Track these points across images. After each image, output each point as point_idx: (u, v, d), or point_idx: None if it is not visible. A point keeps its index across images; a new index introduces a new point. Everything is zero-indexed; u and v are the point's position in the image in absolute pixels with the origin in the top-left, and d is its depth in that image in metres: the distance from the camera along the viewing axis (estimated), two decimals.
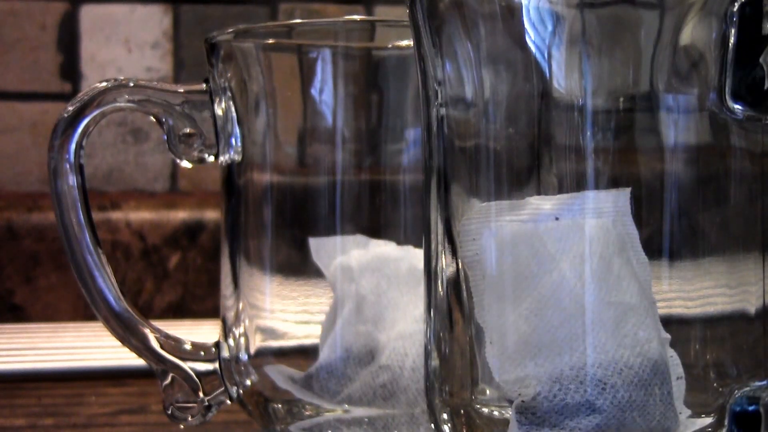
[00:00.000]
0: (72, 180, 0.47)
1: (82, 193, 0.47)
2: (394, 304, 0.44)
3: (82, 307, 0.94)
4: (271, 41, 0.47)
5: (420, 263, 0.38)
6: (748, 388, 0.34)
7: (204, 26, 1.04)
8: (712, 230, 0.35)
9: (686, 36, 0.34)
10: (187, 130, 0.48)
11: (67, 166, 0.46)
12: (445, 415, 0.37)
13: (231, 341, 0.48)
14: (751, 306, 0.35)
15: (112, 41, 1.04)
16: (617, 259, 0.33)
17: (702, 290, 0.35)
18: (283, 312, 0.47)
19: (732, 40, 0.34)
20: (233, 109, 0.47)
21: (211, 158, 0.48)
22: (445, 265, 0.36)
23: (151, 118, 0.48)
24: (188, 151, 0.48)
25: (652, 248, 0.34)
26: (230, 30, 0.47)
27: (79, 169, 0.47)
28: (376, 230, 0.45)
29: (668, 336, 0.34)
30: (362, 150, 0.46)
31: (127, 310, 0.47)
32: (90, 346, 0.72)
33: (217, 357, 0.48)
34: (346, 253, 0.45)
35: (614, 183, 0.34)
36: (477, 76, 0.35)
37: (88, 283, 0.47)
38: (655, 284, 0.34)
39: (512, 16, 0.35)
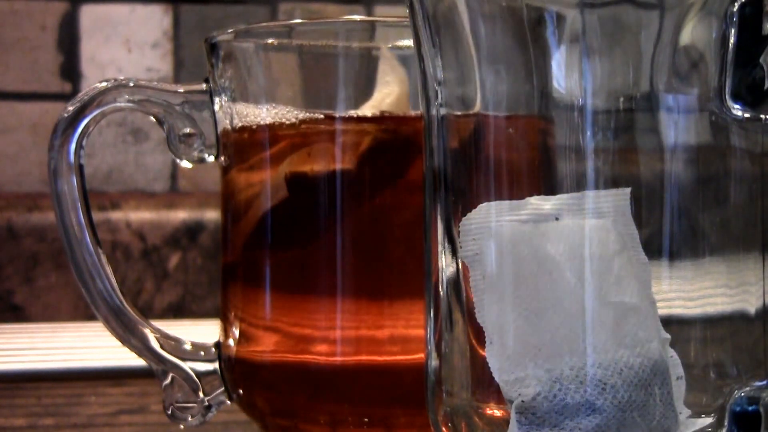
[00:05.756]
0: (72, 180, 0.47)
1: (82, 193, 0.47)
2: None
3: (82, 307, 0.94)
4: (271, 41, 0.47)
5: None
6: (748, 388, 0.34)
7: (204, 26, 1.04)
8: (712, 230, 0.35)
9: (686, 36, 0.34)
10: (187, 130, 0.48)
11: (67, 166, 0.46)
12: (444, 415, 0.37)
13: (231, 341, 0.48)
14: (751, 306, 0.35)
15: (112, 41, 1.04)
16: (617, 259, 0.33)
17: (702, 290, 0.35)
18: None
19: (732, 40, 0.34)
20: (233, 109, 0.47)
21: (211, 158, 0.48)
22: (445, 265, 0.36)
23: (151, 118, 0.48)
24: (188, 151, 0.48)
25: (652, 248, 0.34)
26: (230, 30, 0.47)
27: (79, 169, 0.47)
28: (372, 234, 0.45)
29: (668, 336, 0.34)
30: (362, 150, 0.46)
31: (127, 311, 0.47)
32: (90, 346, 0.72)
33: (217, 357, 0.48)
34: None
35: (614, 183, 0.34)
36: (477, 76, 0.35)
37: (88, 283, 0.47)
38: (655, 284, 0.34)
39: (512, 16, 0.35)
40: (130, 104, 0.47)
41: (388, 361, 0.45)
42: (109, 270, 0.47)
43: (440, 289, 0.36)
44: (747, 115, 0.34)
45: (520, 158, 0.36)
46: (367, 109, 0.45)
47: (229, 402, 0.48)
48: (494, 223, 0.34)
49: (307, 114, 0.45)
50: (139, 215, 0.98)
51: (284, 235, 0.46)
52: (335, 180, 0.45)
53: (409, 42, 0.39)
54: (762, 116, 0.34)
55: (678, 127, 0.35)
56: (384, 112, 0.45)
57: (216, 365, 0.48)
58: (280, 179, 0.46)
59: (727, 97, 0.34)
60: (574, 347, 0.32)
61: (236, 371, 0.47)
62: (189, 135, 0.48)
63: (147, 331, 0.48)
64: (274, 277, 0.46)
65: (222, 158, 0.48)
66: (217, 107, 0.47)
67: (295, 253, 0.45)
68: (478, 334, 0.34)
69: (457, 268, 0.36)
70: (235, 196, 0.48)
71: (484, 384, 0.35)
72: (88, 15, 1.04)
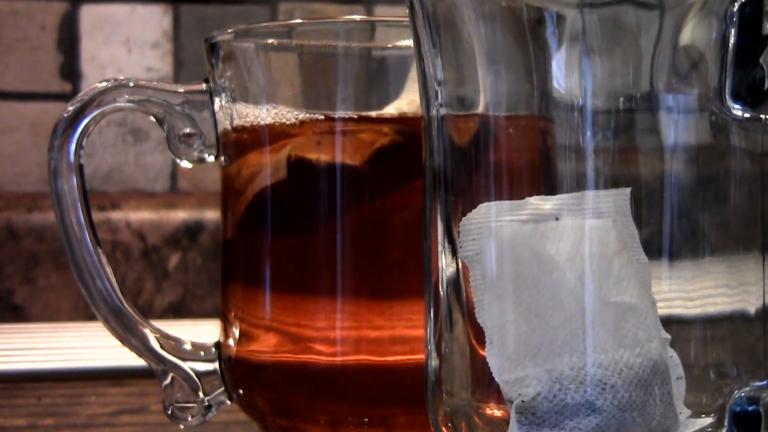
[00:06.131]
0: (72, 180, 0.47)
1: (82, 193, 0.47)
2: None
3: (82, 307, 0.94)
4: (271, 41, 0.47)
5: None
6: (748, 388, 0.34)
7: (204, 26, 1.04)
8: (712, 230, 0.35)
9: (686, 36, 0.34)
10: (187, 130, 0.48)
11: (67, 166, 0.46)
12: (444, 415, 0.37)
13: (231, 341, 0.48)
14: (751, 306, 0.35)
15: (112, 41, 1.04)
16: (617, 259, 0.33)
17: (702, 290, 0.35)
18: None
19: (732, 40, 0.34)
20: (233, 109, 0.47)
21: (211, 158, 0.48)
22: (445, 265, 0.36)
23: (151, 118, 0.48)
24: (188, 151, 0.48)
25: (652, 248, 0.34)
26: (230, 30, 0.47)
27: (79, 169, 0.47)
28: (374, 233, 0.45)
29: (668, 336, 0.34)
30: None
31: (127, 310, 0.47)
32: (90, 346, 0.72)
33: (217, 357, 0.48)
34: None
35: (614, 183, 0.34)
36: (477, 76, 0.35)
37: (88, 283, 0.47)
38: (655, 284, 0.34)
39: (512, 16, 0.35)
40: (130, 104, 0.47)
41: (388, 361, 0.45)
42: (109, 270, 0.47)
43: (440, 289, 0.36)
44: (747, 115, 0.34)
45: (520, 158, 0.36)
46: (389, 110, 0.45)
47: (229, 402, 0.48)
48: (494, 223, 0.34)
49: (307, 114, 0.45)
50: (139, 215, 0.98)
51: (282, 224, 0.46)
52: (335, 177, 0.45)
53: (409, 42, 0.39)
54: (762, 116, 0.34)
55: (678, 127, 0.35)
56: (400, 114, 0.45)
57: (216, 365, 0.48)
58: (280, 174, 0.46)
59: (727, 97, 0.34)
60: (574, 347, 0.32)
61: (236, 371, 0.47)
62: (189, 135, 0.48)
63: (147, 331, 0.48)
64: (273, 275, 0.46)
65: (222, 158, 0.48)
66: (217, 107, 0.47)
67: (293, 246, 0.45)
68: (478, 334, 0.34)
69: (457, 268, 0.36)
70: (234, 196, 0.48)
71: (484, 384, 0.35)
72: (88, 15, 1.04)
